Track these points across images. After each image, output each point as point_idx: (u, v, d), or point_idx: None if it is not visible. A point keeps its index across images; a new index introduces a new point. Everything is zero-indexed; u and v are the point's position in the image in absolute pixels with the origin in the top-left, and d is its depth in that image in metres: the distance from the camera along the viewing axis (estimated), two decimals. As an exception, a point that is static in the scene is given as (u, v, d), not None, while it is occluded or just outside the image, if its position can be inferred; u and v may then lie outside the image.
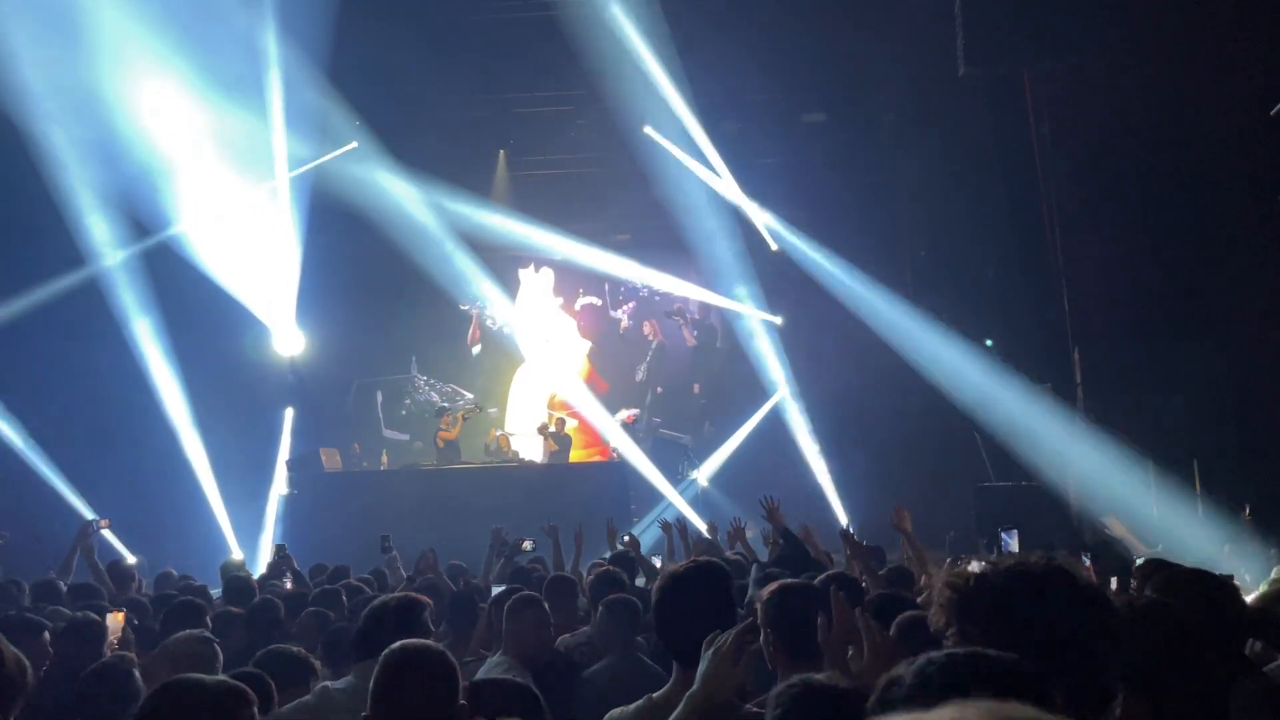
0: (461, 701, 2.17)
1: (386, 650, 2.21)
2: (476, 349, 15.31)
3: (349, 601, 5.12)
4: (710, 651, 2.07)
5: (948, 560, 4.23)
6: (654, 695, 2.34)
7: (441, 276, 13.89)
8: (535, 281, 15.63)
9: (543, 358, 14.98)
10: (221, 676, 2.28)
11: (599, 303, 15.56)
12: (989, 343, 10.89)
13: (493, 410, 14.57)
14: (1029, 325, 11.74)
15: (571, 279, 15.69)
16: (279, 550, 6.33)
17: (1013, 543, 3.21)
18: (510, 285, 15.54)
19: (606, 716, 2.40)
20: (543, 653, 3.54)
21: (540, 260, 15.59)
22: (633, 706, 2.37)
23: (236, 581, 5.69)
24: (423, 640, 2.39)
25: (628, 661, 3.54)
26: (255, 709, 2.11)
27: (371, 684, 2.15)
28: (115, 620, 4.19)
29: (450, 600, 4.71)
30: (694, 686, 2.08)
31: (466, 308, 14.98)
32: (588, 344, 15.40)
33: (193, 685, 2.10)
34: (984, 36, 10.55)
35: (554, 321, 15.42)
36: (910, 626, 2.83)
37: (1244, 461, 9.68)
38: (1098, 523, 9.35)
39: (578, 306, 15.61)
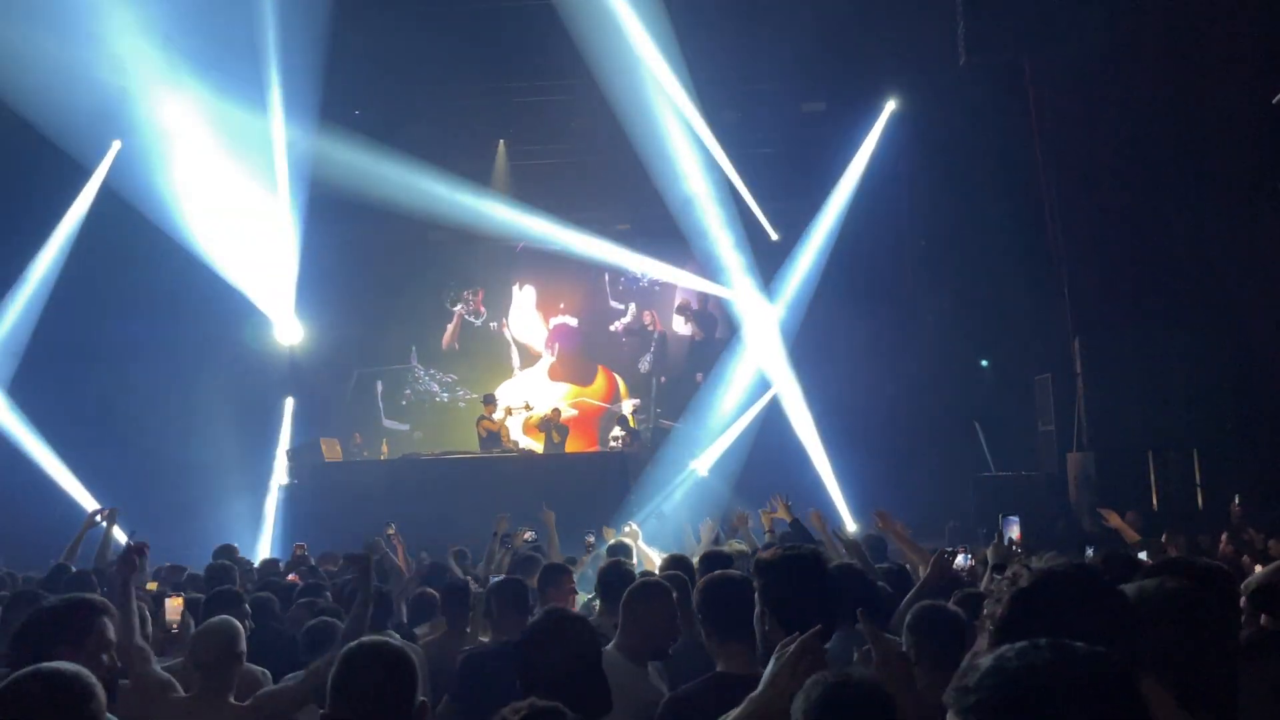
0: (421, 698, 2.12)
1: (346, 646, 2.16)
2: (454, 346, 15.29)
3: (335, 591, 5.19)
4: (777, 656, 2.01)
5: (941, 551, 4.23)
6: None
7: (441, 267, 13.88)
8: (522, 298, 15.54)
9: (538, 368, 14.92)
10: (70, 665, 2.16)
11: (574, 323, 15.48)
12: (984, 363, 10.84)
13: (535, 409, 14.32)
14: (1030, 314, 11.74)
15: (553, 296, 15.61)
16: (297, 549, 6.38)
17: (1013, 530, 3.21)
18: (508, 279, 15.53)
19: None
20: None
21: (524, 277, 15.49)
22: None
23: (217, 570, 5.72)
24: (382, 636, 2.34)
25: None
26: (102, 698, 2.07)
27: (330, 678, 2.09)
28: (174, 605, 4.24)
29: (444, 590, 4.71)
30: (758, 689, 2.03)
31: (454, 307, 14.94)
32: (550, 360, 15.34)
33: (47, 673, 2.07)
34: (985, 26, 10.53)
35: (536, 336, 15.35)
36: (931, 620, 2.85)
37: (1243, 450, 9.69)
38: (1095, 514, 9.36)
39: (551, 325, 15.52)
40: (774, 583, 2.39)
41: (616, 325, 15.44)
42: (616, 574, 4.30)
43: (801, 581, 2.35)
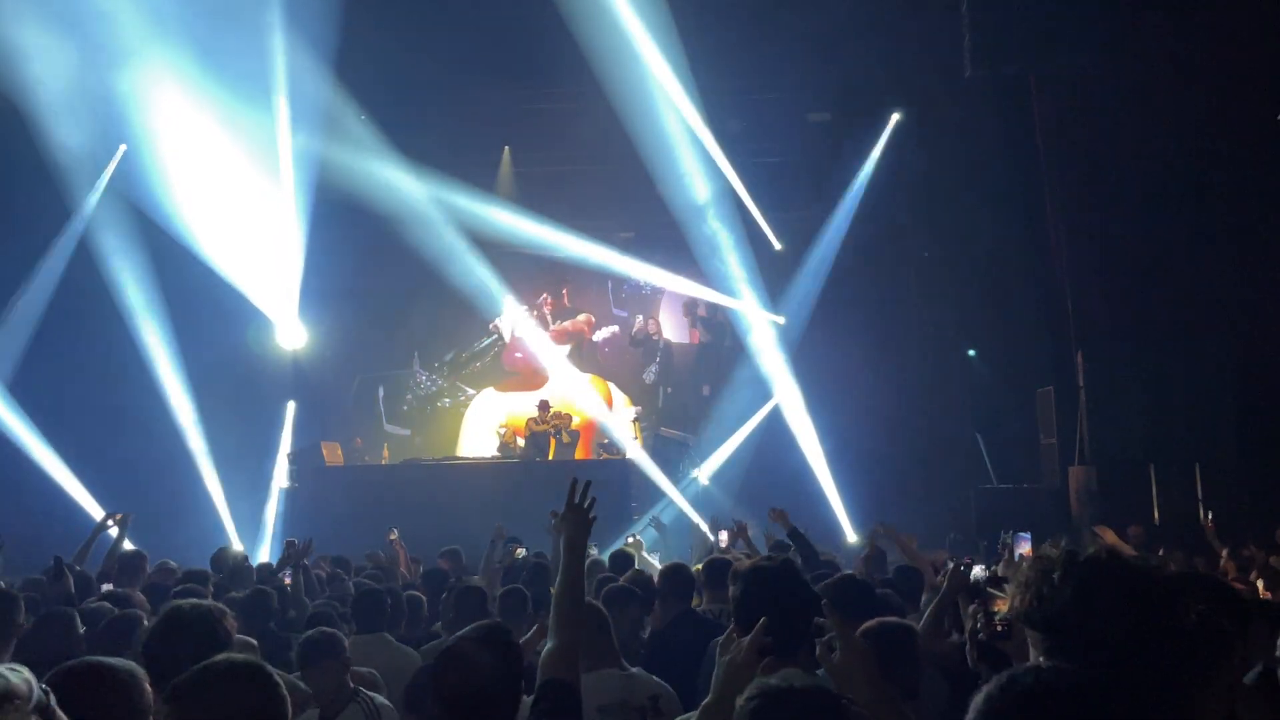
0: None
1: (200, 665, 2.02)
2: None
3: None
4: (725, 660, 2.00)
5: (948, 563, 4.25)
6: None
7: (445, 272, 13.87)
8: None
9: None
10: (121, 660, 2.17)
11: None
12: (972, 353, 10.84)
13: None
14: (1033, 327, 11.75)
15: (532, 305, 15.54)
16: (288, 546, 6.32)
17: (1024, 547, 3.17)
18: (511, 283, 15.49)
19: None
20: None
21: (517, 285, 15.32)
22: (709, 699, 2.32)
23: (240, 570, 5.76)
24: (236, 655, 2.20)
25: None
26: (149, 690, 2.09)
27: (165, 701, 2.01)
28: None
29: (456, 595, 4.67)
30: (709, 696, 2.03)
31: (493, 325, 14.81)
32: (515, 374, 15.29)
33: (94, 666, 2.09)
34: (991, 38, 10.55)
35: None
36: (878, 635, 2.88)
37: (1245, 464, 9.69)
38: (1089, 531, 9.34)
39: (517, 334, 15.44)
40: (744, 596, 2.40)
41: (605, 335, 15.23)
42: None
43: (773, 595, 2.34)
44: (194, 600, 2.73)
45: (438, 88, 12.98)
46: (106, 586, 5.13)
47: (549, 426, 13.01)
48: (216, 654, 2.22)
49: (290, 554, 6.12)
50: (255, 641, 3.51)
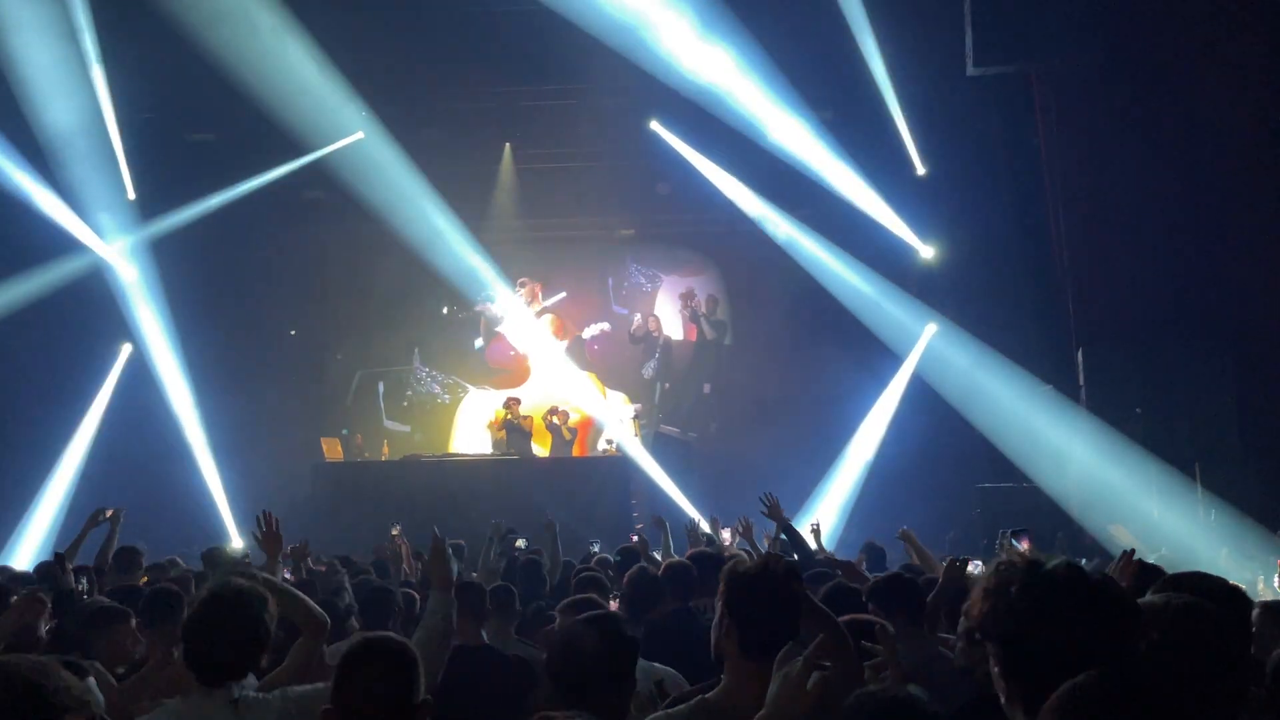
0: (426, 696, 2.14)
1: (348, 642, 2.23)
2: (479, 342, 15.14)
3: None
4: (782, 674, 1.98)
5: (952, 560, 4.26)
6: (707, 696, 2.29)
7: (445, 269, 13.87)
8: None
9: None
10: (39, 657, 2.18)
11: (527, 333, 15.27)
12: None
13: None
14: (1033, 326, 11.74)
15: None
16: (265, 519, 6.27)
17: (1023, 548, 3.17)
18: (512, 280, 15.47)
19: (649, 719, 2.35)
20: None
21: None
22: (683, 706, 2.31)
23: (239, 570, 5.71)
24: (385, 632, 2.37)
25: None
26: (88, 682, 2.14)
27: (333, 677, 2.13)
28: None
29: (459, 591, 4.67)
30: (762, 711, 2.02)
31: (479, 308, 14.75)
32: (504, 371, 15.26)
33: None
34: (993, 36, 10.55)
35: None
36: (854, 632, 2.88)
37: (1246, 464, 9.68)
38: (1103, 531, 9.33)
39: (507, 331, 15.35)
40: (743, 595, 2.35)
41: (594, 332, 15.14)
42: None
43: (773, 596, 2.33)
44: (237, 581, 2.71)
45: (439, 84, 12.97)
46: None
47: (541, 420, 13.02)
48: (256, 641, 2.51)
49: (291, 550, 6.09)
50: None
